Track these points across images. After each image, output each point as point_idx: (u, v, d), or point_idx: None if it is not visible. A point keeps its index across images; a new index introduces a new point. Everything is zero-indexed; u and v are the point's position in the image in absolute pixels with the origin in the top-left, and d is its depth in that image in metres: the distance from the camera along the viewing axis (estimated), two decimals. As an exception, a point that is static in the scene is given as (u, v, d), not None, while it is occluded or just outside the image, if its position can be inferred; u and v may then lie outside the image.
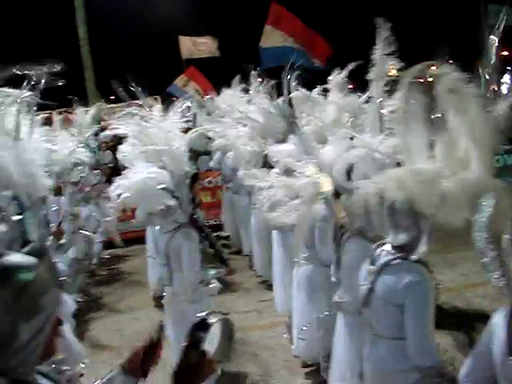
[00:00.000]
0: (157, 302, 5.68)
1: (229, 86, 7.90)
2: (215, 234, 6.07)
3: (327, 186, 3.27)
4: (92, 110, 5.17)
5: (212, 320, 1.49)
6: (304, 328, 4.03)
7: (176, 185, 3.71)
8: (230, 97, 6.95)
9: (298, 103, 4.82)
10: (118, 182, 3.65)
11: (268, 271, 5.86)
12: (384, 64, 2.90)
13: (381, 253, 2.50)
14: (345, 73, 4.67)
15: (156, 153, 3.70)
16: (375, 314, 2.49)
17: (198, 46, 13.59)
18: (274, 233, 5.38)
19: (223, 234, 8.23)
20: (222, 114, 6.89)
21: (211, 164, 8.23)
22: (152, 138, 3.81)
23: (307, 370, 4.31)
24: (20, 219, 2.98)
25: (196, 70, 12.65)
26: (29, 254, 1.32)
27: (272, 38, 10.02)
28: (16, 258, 1.32)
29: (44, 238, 3.26)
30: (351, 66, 4.56)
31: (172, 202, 3.66)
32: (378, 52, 2.87)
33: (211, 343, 1.48)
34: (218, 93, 8.32)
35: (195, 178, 4.39)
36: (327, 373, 4.04)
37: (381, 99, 2.55)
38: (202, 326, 1.49)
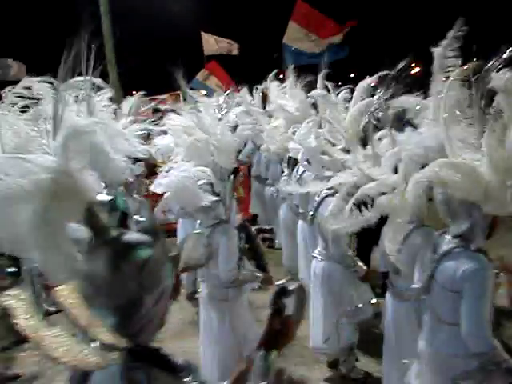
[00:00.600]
0: (189, 296, 5.83)
1: (248, 82, 8.07)
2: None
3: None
4: (132, 100, 5.27)
5: (291, 287, 1.64)
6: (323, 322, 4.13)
7: (220, 180, 3.76)
8: (271, 90, 7.01)
9: (320, 102, 4.90)
10: (159, 180, 3.69)
11: (294, 264, 5.96)
12: (445, 60, 2.93)
13: (443, 241, 2.61)
14: (372, 79, 4.61)
15: (206, 146, 3.77)
16: (436, 301, 2.61)
17: (219, 44, 13.77)
18: (299, 225, 5.50)
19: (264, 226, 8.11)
20: (252, 108, 7.00)
21: (240, 157, 8.23)
22: (206, 131, 3.87)
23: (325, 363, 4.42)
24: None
25: (217, 64, 12.81)
26: (144, 232, 1.48)
27: (295, 35, 10.16)
28: (135, 236, 1.50)
29: (153, 219, 3.36)
30: (380, 73, 4.51)
31: (213, 198, 3.70)
32: (444, 47, 2.90)
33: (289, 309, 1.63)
34: (238, 88, 8.47)
35: (236, 172, 4.44)
36: (346, 366, 4.18)
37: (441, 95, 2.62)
38: (283, 293, 1.63)
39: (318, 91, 5.00)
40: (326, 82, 5.15)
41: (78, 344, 1.26)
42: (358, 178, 3.09)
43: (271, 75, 7.28)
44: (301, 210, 5.54)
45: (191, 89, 5.88)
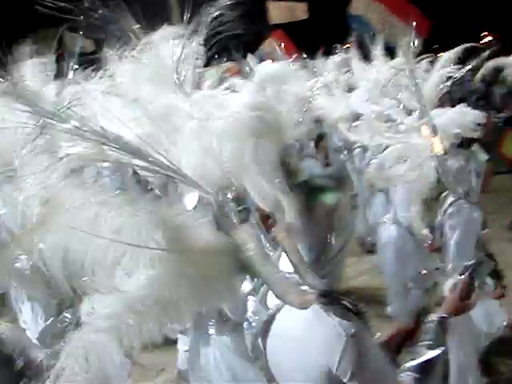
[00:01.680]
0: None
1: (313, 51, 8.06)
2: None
3: (439, 148, 3.36)
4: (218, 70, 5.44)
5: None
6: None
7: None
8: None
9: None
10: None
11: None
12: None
13: None
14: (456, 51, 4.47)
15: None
16: None
17: (286, 11, 13.70)
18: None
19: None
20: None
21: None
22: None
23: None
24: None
25: (283, 33, 12.80)
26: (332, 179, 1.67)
27: (361, 3, 10.08)
28: (324, 181, 1.64)
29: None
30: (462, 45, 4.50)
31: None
32: None
33: None
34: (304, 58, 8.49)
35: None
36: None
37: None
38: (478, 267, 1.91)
39: (399, 59, 4.77)
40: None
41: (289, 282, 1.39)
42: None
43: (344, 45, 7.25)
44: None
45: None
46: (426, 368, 1.68)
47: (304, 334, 1.66)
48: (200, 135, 1.31)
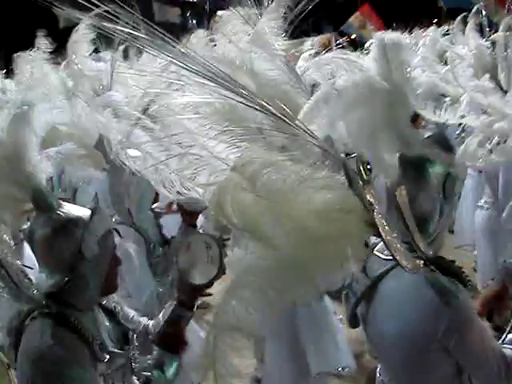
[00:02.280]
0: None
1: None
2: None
3: None
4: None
5: None
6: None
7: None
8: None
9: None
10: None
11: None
12: None
13: None
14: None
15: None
16: None
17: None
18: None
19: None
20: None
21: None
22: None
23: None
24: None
25: (370, 7, 12.49)
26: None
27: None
28: (433, 153, 1.72)
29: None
30: None
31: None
32: None
33: None
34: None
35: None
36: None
37: None
38: None
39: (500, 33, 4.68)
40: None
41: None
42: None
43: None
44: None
45: (341, 33, 5.88)
46: None
47: (411, 298, 1.73)
48: (327, 100, 1.37)
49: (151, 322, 2.06)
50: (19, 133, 1.71)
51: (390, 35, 1.70)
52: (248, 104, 1.09)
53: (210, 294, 5.41)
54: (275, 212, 1.06)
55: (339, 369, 3.17)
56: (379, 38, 1.66)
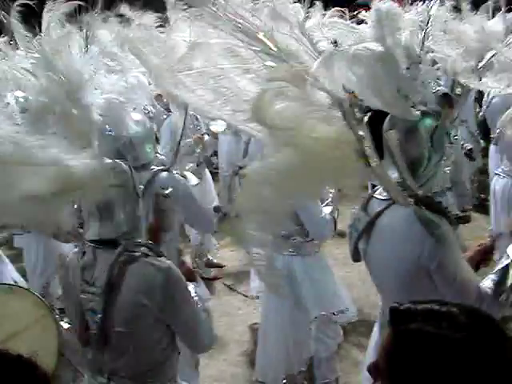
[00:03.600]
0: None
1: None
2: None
3: None
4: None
5: None
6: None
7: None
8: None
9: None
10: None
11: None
12: None
13: None
14: None
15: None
16: None
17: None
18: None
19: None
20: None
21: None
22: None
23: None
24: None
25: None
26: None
27: None
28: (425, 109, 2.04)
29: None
30: None
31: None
32: None
33: None
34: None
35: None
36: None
37: None
38: None
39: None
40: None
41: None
42: None
43: None
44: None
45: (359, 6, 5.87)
46: (503, 272, 1.99)
47: (402, 229, 2.07)
48: (333, 58, 1.69)
49: None
50: None
51: (386, 5, 1.96)
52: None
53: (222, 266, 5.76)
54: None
55: (339, 312, 3.32)
56: (376, 6, 1.94)
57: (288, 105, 1.43)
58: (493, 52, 4.19)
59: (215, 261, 5.75)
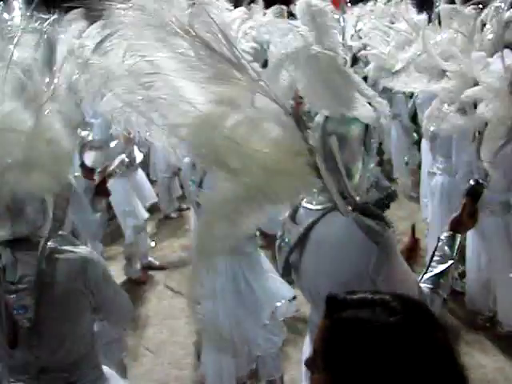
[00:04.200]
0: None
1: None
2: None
3: None
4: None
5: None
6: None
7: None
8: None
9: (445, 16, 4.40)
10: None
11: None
12: None
13: None
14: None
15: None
16: None
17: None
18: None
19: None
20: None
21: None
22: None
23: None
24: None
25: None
26: None
27: None
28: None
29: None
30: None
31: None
32: None
33: None
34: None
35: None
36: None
37: None
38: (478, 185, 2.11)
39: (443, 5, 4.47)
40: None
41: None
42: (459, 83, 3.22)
43: None
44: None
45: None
46: (439, 279, 1.97)
47: (343, 240, 1.91)
48: (280, 64, 1.65)
49: None
50: None
51: (315, 1, 1.92)
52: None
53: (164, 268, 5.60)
54: (238, 147, 1.35)
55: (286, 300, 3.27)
56: (305, 3, 1.89)
57: (238, 121, 1.36)
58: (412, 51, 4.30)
59: (157, 263, 5.63)
